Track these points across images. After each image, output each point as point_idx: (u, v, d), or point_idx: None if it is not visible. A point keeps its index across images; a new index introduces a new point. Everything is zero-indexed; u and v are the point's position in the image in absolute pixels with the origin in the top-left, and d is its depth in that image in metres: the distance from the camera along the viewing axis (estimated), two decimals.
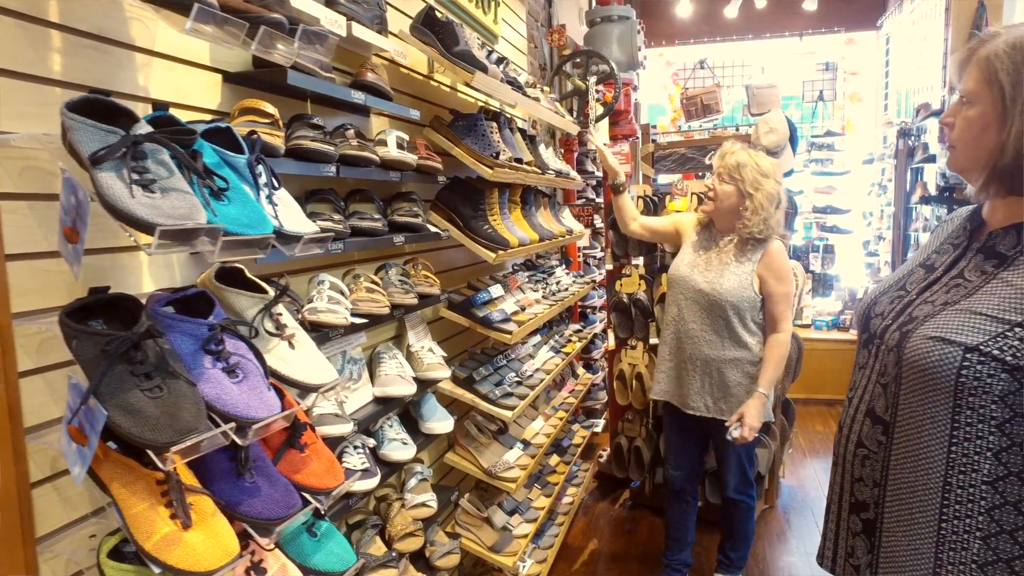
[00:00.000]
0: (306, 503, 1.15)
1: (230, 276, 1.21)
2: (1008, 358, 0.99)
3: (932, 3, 4.88)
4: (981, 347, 1.01)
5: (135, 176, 0.83)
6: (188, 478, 0.97)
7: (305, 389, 1.13)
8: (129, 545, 0.87)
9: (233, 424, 0.92)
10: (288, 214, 1.14)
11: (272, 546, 1.11)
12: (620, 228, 2.86)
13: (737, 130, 4.69)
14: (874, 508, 1.18)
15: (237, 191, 1.02)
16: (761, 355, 2.49)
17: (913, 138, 4.93)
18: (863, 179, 6.23)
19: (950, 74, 1.07)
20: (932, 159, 4.57)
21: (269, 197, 1.12)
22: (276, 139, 1.33)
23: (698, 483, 2.81)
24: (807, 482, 4.02)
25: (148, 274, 1.20)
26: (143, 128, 0.89)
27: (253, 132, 1.15)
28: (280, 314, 1.19)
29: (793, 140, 3.59)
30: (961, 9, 4.27)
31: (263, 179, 1.10)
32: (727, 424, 2.45)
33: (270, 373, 1.11)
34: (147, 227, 0.79)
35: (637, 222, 2.80)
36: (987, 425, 1.03)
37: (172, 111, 1.27)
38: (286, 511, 1.05)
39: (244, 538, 1.08)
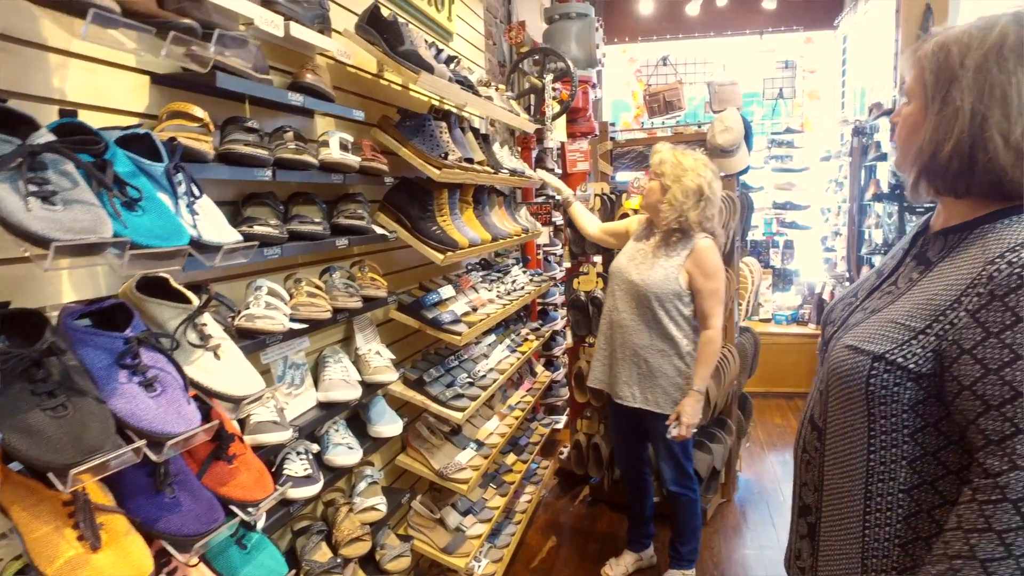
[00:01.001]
0: (232, 516, 1.13)
1: (154, 286, 1.18)
2: (911, 366, 0.98)
3: (885, 4, 4.98)
4: (886, 355, 1.00)
5: (33, 188, 0.80)
6: (100, 497, 0.94)
7: (228, 401, 1.11)
8: (33, 571, 0.84)
9: (144, 442, 0.90)
10: (209, 223, 1.11)
11: (195, 561, 1.09)
12: (586, 237, 3.05)
13: (700, 127, 4.73)
14: (815, 512, 1.18)
15: (152, 201, 1.00)
16: (688, 350, 2.57)
17: (866, 136, 5.03)
18: (821, 176, 6.35)
19: (901, 74, 1.08)
20: (884, 157, 4.67)
21: (190, 206, 1.09)
22: (204, 144, 1.30)
23: (645, 467, 2.93)
24: (764, 476, 4.10)
25: (69, 285, 1.16)
26: (43, 137, 0.86)
27: (173, 139, 1.12)
28: (204, 324, 1.17)
29: (748, 138, 3.64)
30: (910, 11, 4.37)
31: (182, 188, 1.08)
32: (666, 424, 2.54)
33: (192, 386, 1.09)
34: (42, 242, 0.77)
35: (598, 228, 2.95)
36: (900, 434, 1.02)
37: (94, 115, 1.24)
38: (207, 526, 1.03)
39: (167, 554, 1.07)
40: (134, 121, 1.32)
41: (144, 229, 0.94)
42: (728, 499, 3.71)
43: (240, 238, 1.17)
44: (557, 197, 4.10)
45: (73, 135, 0.95)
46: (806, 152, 6.35)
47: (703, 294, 2.50)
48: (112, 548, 0.91)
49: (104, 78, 1.26)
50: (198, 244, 1.05)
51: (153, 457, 0.94)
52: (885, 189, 4.65)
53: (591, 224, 3.01)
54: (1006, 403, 0.89)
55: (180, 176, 1.08)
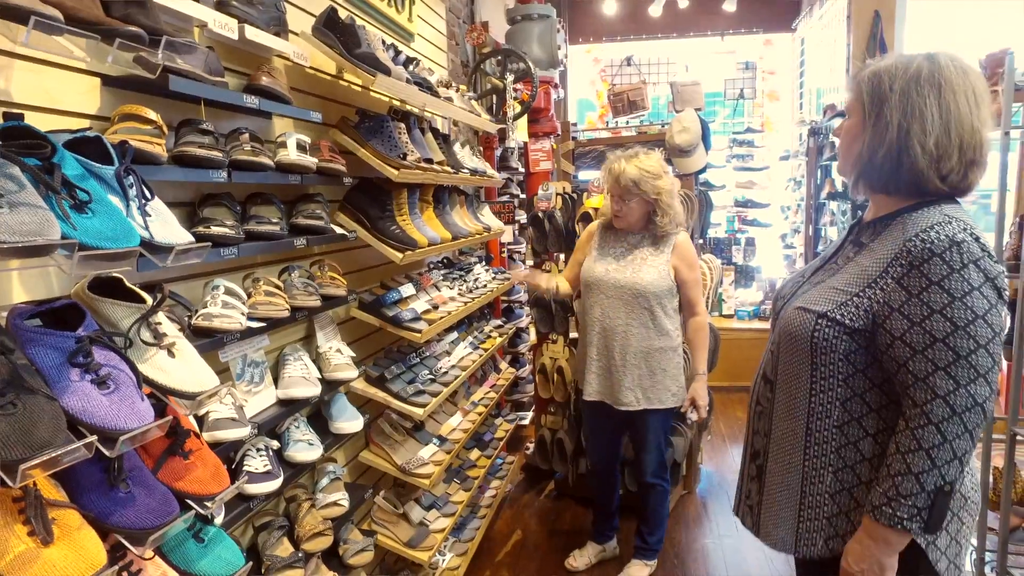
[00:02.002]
0: (189, 510, 1.16)
1: (108, 286, 1.20)
2: (847, 322, 1.23)
3: (838, 8, 5.13)
4: (828, 313, 1.25)
5: None
6: (52, 493, 0.96)
7: (183, 397, 1.14)
8: None
9: (95, 438, 0.92)
10: (161, 225, 1.13)
11: (151, 554, 1.11)
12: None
13: (663, 126, 4.83)
14: (763, 455, 1.42)
15: (102, 203, 1.02)
16: (679, 341, 2.68)
17: (822, 137, 5.18)
18: (781, 175, 6.51)
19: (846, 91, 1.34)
20: (838, 157, 4.82)
21: (141, 208, 1.11)
22: (157, 147, 1.31)
23: (618, 466, 3.00)
24: (725, 467, 4.21)
25: (19, 286, 1.18)
26: None
27: (124, 142, 1.14)
28: (159, 323, 1.19)
29: (706, 138, 3.74)
30: (860, 16, 4.52)
31: (133, 190, 1.10)
32: (681, 410, 2.66)
33: (146, 383, 1.11)
34: None
35: (565, 284, 2.84)
36: (836, 379, 1.27)
37: (44, 117, 1.25)
38: (161, 519, 1.05)
39: (122, 549, 1.09)
40: (85, 124, 1.34)
41: (94, 231, 0.96)
42: (690, 491, 3.81)
43: (192, 239, 1.19)
44: (520, 194, 4.14)
45: (19, 139, 0.97)
46: (766, 151, 6.51)
47: (689, 284, 2.62)
48: (64, 542, 0.93)
49: (53, 80, 1.27)
50: (150, 245, 1.08)
51: (106, 453, 0.96)
52: (839, 188, 4.79)
53: (563, 287, 2.87)
54: (928, 348, 1.15)
55: (131, 179, 1.10)
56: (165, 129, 1.39)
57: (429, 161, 2.42)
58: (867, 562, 1.22)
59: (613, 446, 2.93)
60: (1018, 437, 2.45)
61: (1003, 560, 2.50)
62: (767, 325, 6.35)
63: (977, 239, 1.15)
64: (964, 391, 1.13)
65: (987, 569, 2.61)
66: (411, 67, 2.49)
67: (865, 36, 4.61)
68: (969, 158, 1.20)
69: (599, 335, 2.65)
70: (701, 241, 3.95)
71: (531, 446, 4.16)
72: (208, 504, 1.21)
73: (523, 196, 4.50)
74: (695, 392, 2.62)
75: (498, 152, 4.15)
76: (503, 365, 3.68)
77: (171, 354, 1.17)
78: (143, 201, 1.11)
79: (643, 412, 2.64)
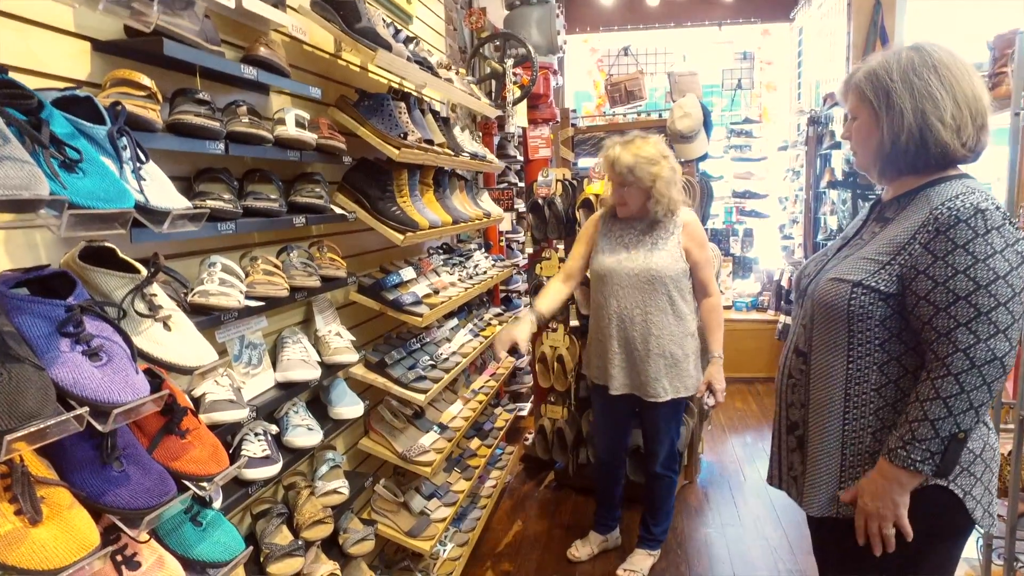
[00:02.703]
0: (185, 490, 1.10)
1: (100, 256, 1.14)
2: (882, 287, 1.31)
3: None
4: (863, 282, 1.33)
5: None
6: (40, 470, 0.91)
7: (179, 371, 1.08)
8: None
9: (86, 409, 0.87)
10: (157, 189, 1.07)
11: (146, 537, 1.06)
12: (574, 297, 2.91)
13: (660, 116, 4.78)
14: (803, 426, 1.48)
15: (94, 163, 0.96)
16: (697, 325, 2.63)
17: (821, 126, 5.15)
18: (779, 165, 6.47)
19: (839, 100, 1.47)
20: (838, 146, 4.79)
21: (136, 171, 1.05)
22: (151, 113, 1.25)
23: (625, 456, 2.96)
24: (725, 458, 4.18)
25: (4, 254, 1.12)
26: None
27: (117, 103, 1.08)
28: (155, 295, 1.13)
29: (707, 125, 3.69)
30: (860, 5, 4.48)
31: (127, 152, 1.04)
32: (697, 395, 2.60)
33: (141, 356, 1.06)
34: None
35: (566, 285, 2.69)
36: (872, 344, 1.35)
37: (29, 79, 1.18)
38: (157, 499, 1.00)
39: (116, 531, 1.03)
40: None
41: (84, 191, 0.90)
42: (691, 480, 3.77)
43: (189, 204, 1.13)
44: (518, 182, 4.08)
45: (2, 92, 0.91)
46: (764, 142, 6.47)
47: (700, 264, 2.56)
48: (54, 522, 0.87)
49: (39, 41, 1.20)
50: (144, 209, 1.02)
51: (98, 427, 0.91)
52: (839, 176, 4.76)
53: (561, 292, 2.68)
54: (950, 305, 1.23)
55: (124, 140, 1.04)
56: (160, 97, 1.33)
57: (430, 142, 2.37)
58: (882, 500, 1.31)
59: (624, 437, 2.89)
60: None
61: (1011, 546, 2.47)
62: (766, 316, 6.31)
63: (998, 208, 1.25)
64: (984, 345, 1.21)
65: (994, 556, 2.59)
66: (411, 46, 2.43)
67: (865, 25, 4.57)
68: (979, 124, 1.31)
69: (618, 327, 2.57)
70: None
71: (530, 437, 4.11)
72: (206, 485, 1.15)
73: (521, 184, 4.44)
74: (711, 376, 2.55)
75: (496, 140, 4.09)
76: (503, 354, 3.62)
77: (167, 327, 1.12)
78: (137, 164, 1.05)
79: (669, 402, 2.59)
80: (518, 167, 4.54)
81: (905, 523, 1.31)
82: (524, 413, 4.32)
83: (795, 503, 1.54)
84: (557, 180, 3.49)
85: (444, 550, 2.64)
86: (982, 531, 1.40)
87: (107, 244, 1.14)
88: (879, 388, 1.35)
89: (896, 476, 1.29)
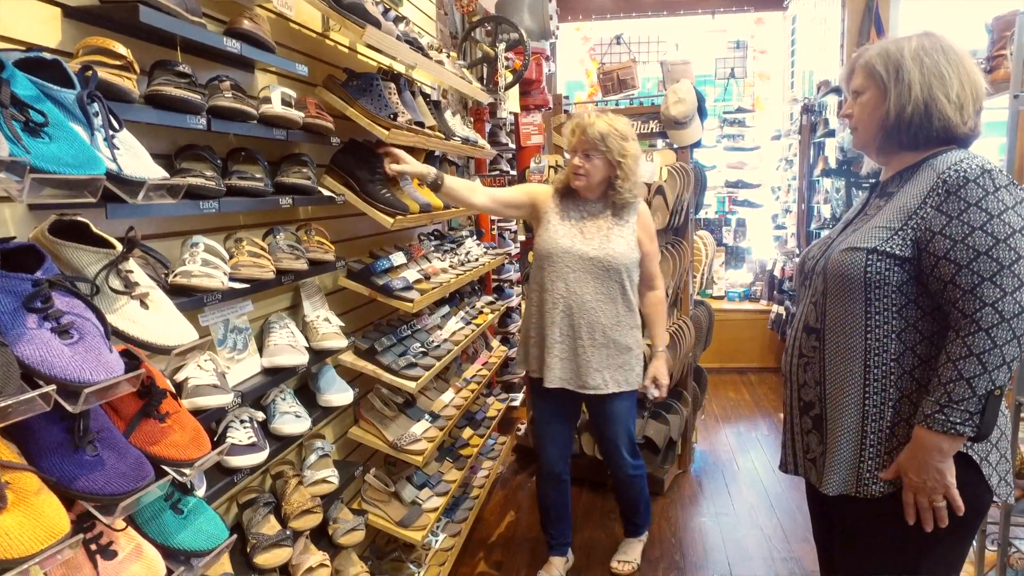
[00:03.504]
0: (164, 476, 1.05)
1: (71, 231, 1.08)
2: (897, 251, 1.32)
3: None
4: (878, 248, 1.34)
5: None
6: (6, 454, 0.85)
7: (157, 351, 1.03)
8: None
9: (52, 387, 0.81)
10: (131, 158, 1.02)
11: (123, 525, 1.01)
12: (466, 208, 2.58)
13: (653, 105, 4.73)
14: (819, 404, 1.47)
15: (61, 128, 0.90)
16: (640, 319, 2.52)
17: (815, 114, 5.12)
18: (772, 154, 6.45)
19: (840, 82, 1.53)
20: (832, 134, 4.76)
21: (108, 139, 1.00)
22: (127, 82, 1.20)
23: (569, 463, 2.67)
24: (719, 447, 4.16)
25: None
26: None
27: (88, 67, 1.02)
28: (131, 271, 1.08)
29: (702, 111, 3.64)
30: None
31: (98, 119, 0.98)
32: (643, 387, 2.49)
33: (115, 335, 1.00)
34: None
35: (482, 195, 2.49)
36: (890, 312, 1.34)
37: None
38: (133, 485, 0.95)
39: (90, 519, 0.98)
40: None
41: (50, 156, 0.84)
42: (684, 470, 3.75)
43: (166, 175, 1.07)
44: (510, 170, 3.99)
45: None
46: (757, 131, 6.43)
47: (650, 256, 2.47)
48: (20, 508, 0.82)
49: (4, 6, 1.14)
50: (118, 179, 0.96)
51: (68, 408, 0.86)
52: (833, 165, 4.74)
53: (474, 193, 2.47)
54: (972, 261, 1.24)
55: (96, 106, 0.98)
56: (136, 67, 1.27)
57: (420, 124, 2.31)
58: (927, 471, 1.28)
59: (568, 441, 2.66)
60: None
61: (1005, 533, 2.46)
62: (758, 307, 6.30)
63: (1001, 169, 1.29)
64: (1011, 298, 1.21)
65: (988, 541, 2.58)
66: (401, 26, 2.37)
67: (860, 12, 4.55)
68: (978, 107, 1.37)
69: (563, 313, 2.39)
70: (694, 217, 3.87)
71: (522, 427, 4.08)
72: (186, 471, 1.10)
73: (513, 173, 4.39)
74: (656, 370, 2.48)
75: (488, 127, 4.03)
76: (494, 343, 3.58)
77: (144, 305, 1.06)
78: (110, 132, 0.99)
79: (611, 397, 2.44)
80: (510, 155, 4.49)
81: (955, 493, 1.29)
82: (516, 403, 4.28)
83: (789, 492, 1.52)
84: (550, 167, 3.44)
85: (436, 540, 2.60)
86: (1000, 501, 1.37)
87: (80, 218, 1.08)
88: (898, 357, 1.35)
89: (936, 444, 1.26)
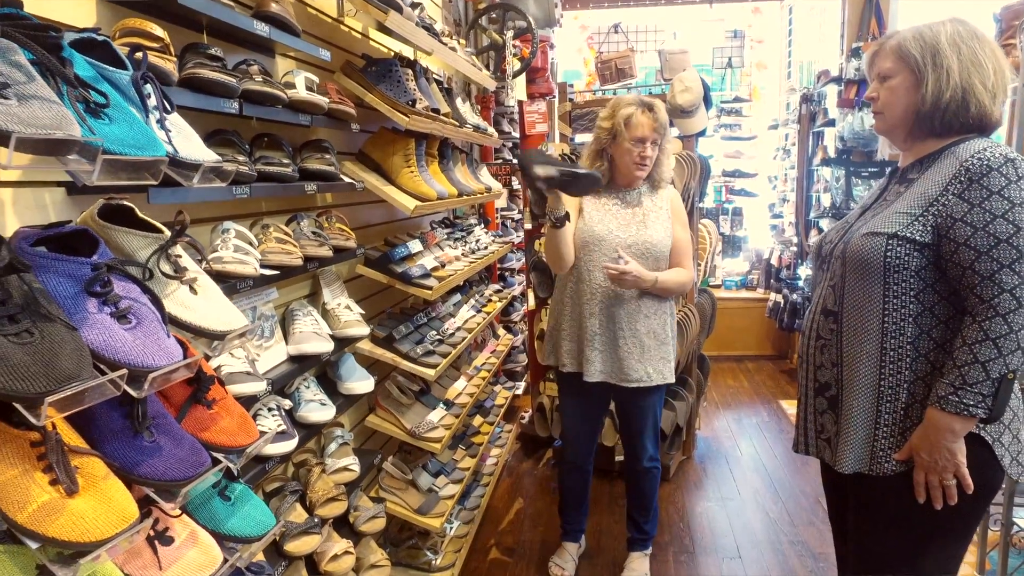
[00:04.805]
0: (216, 463, 1.04)
1: (117, 215, 1.07)
2: (917, 237, 1.34)
3: None
4: (899, 233, 1.36)
5: None
6: (73, 439, 0.84)
7: (211, 337, 1.02)
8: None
9: (124, 372, 0.80)
10: (184, 141, 1.00)
11: (179, 512, 1.00)
12: (559, 270, 2.41)
13: (650, 94, 4.72)
14: (835, 385, 1.49)
15: (120, 109, 0.89)
16: (673, 305, 2.47)
17: (814, 103, 5.14)
18: (769, 144, 6.47)
19: (864, 67, 1.56)
20: (832, 123, 4.78)
21: (160, 122, 0.98)
22: (168, 64, 1.18)
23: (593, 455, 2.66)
24: (721, 433, 4.20)
25: (13, 215, 1.04)
26: None
27: (138, 47, 1.00)
28: (179, 256, 1.07)
29: (707, 99, 3.65)
30: None
31: (152, 100, 0.97)
32: (615, 260, 2.24)
33: (169, 320, 0.99)
34: None
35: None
36: (908, 296, 1.37)
37: None
38: (193, 471, 0.94)
39: (146, 505, 0.97)
40: None
41: (115, 137, 0.83)
42: (688, 456, 3.79)
43: (218, 158, 1.06)
44: (512, 160, 3.92)
45: (18, 28, 0.83)
46: (754, 121, 6.45)
47: (683, 243, 2.37)
48: (91, 493, 0.81)
49: None
50: (174, 161, 0.95)
51: (133, 393, 0.85)
52: (832, 154, 4.76)
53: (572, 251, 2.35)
54: (992, 248, 1.26)
55: (149, 88, 0.97)
56: (172, 50, 1.25)
57: (436, 111, 2.30)
58: (938, 452, 1.32)
59: (597, 433, 2.65)
60: None
61: (1008, 513, 2.51)
62: (755, 295, 6.33)
63: (1023, 158, 1.30)
64: None
65: (991, 522, 2.63)
66: (417, 11, 2.35)
67: (860, 1, 4.56)
68: (1003, 98, 1.40)
69: (601, 304, 2.30)
70: (699, 205, 3.88)
71: (526, 415, 4.09)
72: (235, 458, 1.10)
73: (515, 162, 4.37)
74: (638, 269, 2.23)
75: (491, 114, 4.01)
76: (501, 331, 3.58)
77: (193, 290, 1.05)
78: (163, 115, 0.98)
79: (646, 389, 2.37)
80: (511, 144, 4.47)
81: (965, 472, 1.32)
82: (519, 392, 4.29)
83: (793, 477, 1.54)
84: (556, 155, 3.43)
85: (451, 527, 2.61)
86: (1014, 479, 1.41)
87: (126, 202, 1.07)
88: (914, 340, 1.38)
89: (948, 424, 1.30)
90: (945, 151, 1.39)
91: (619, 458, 3.31)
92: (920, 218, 1.34)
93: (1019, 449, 1.38)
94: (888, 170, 1.59)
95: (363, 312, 2.00)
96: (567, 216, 2.21)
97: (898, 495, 1.41)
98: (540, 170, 2.04)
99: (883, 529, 1.46)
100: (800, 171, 5.31)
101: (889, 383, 1.40)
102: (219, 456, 1.05)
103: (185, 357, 0.98)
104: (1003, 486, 2.51)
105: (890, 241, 1.36)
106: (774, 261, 5.77)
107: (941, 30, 1.38)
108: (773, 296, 5.63)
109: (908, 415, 1.40)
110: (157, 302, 0.94)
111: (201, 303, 1.04)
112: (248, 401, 1.48)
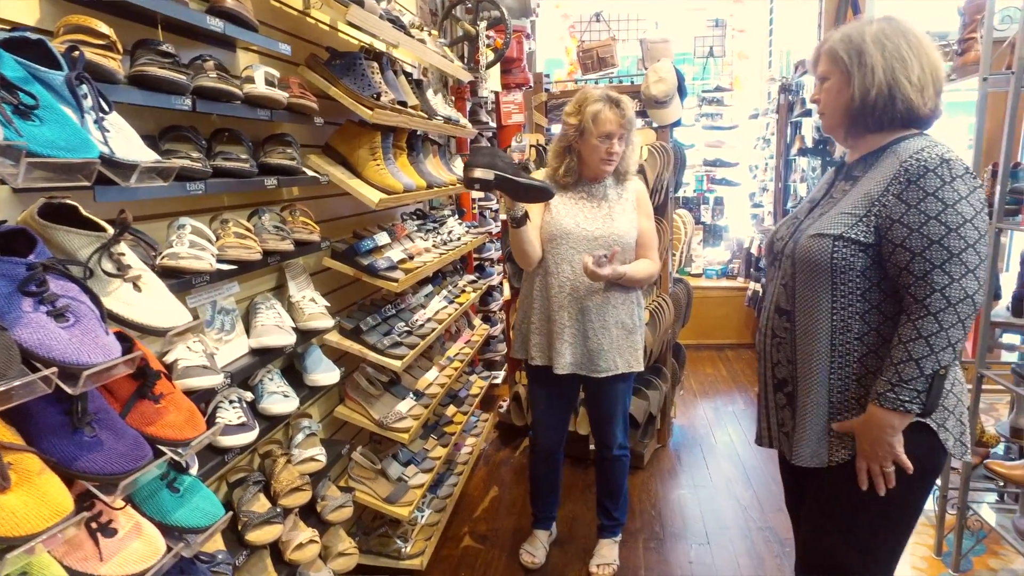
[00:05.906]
0: (161, 455, 1.07)
1: (61, 214, 1.08)
2: (861, 238, 1.38)
3: None
4: (844, 234, 1.40)
5: None
6: (6, 435, 0.86)
7: (151, 333, 1.04)
8: None
9: (55, 369, 0.82)
10: (122, 141, 1.02)
11: (122, 504, 1.02)
12: (526, 266, 2.41)
13: (632, 83, 4.73)
14: (791, 382, 1.55)
15: (52, 110, 0.90)
16: (641, 295, 2.49)
17: (792, 93, 5.17)
18: (750, 133, 6.50)
19: (809, 68, 1.58)
20: (809, 113, 4.82)
21: (98, 122, 0.99)
22: (112, 62, 1.19)
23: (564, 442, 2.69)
24: (697, 421, 4.25)
25: None
26: None
27: (74, 47, 1.01)
28: (123, 254, 1.08)
29: (681, 90, 3.66)
30: None
31: (88, 101, 0.98)
32: (598, 259, 2.21)
33: (110, 318, 1.01)
34: None
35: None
36: (854, 295, 1.42)
37: None
38: (133, 464, 0.96)
39: (88, 498, 1.00)
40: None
41: (43, 139, 0.84)
42: (663, 444, 3.83)
43: (158, 157, 1.07)
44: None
45: None
46: (735, 110, 6.48)
47: (648, 234, 2.40)
48: (24, 488, 0.83)
49: None
50: (110, 162, 0.96)
51: (68, 390, 0.87)
52: (809, 144, 4.80)
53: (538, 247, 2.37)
54: (925, 249, 1.31)
55: (85, 88, 0.98)
56: (120, 47, 1.26)
57: (403, 104, 2.30)
58: (880, 446, 1.39)
59: (566, 426, 2.67)
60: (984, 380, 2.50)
61: (964, 497, 2.58)
62: (735, 284, 6.38)
63: (959, 159, 1.35)
64: (957, 284, 1.29)
65: (948, 505, 2.70)
66: (383, 3, 2.35)
67: None
68: (937, 88, 1.42)
69: (570, 296, 2.32)
70: (673, 196, 3.90)
71: (504, 405, 4.13)
72: (182, 450, 1.12)
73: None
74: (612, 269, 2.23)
75: (468, 105, 4.01)
76: (476, 321, 3.61)
77: (137, 288, 1.07)
78: (100, 115, 0.99)
79: (616, 377, 2.41)
80: (490, 133, 4.47)
81: (903, 458, 1.39)
82: (498, 381, 4.32)
83: (764, 464, 1.59)
84: (531, 145, 3.45)
85: (422, 516, 2.65)
86: (957, 460, 1.55)
87: (69, 201, 1.08)
88: (861, 336, 1.43)
89: (888, 420, 1.36)
90: (887, 149, 1.43)
91: (593, 447, 3.35)
92: (864, 219, 1.39)
93: (962, 431, 1.45)
94: (838, 165, 1.63)
95: (328, 305, 2.02)
96: (526, 216, 2.23)
97: (849, 481, 1.47)
98: (479, 172, 2.05)
99: (836, 512, 1.52)
100: (779, 160, 5.34)
101: (839, 376, 1.46)
102: (164, 449, 1.07)
103: (129, 353, 1.00)
104: (960, 472, 2.59)
105: (836, 243, 1.40)
106: (754, 250, 5.81)
107: (867, 30, 1.42)
108: (753, 285, 5.68)
109: (861, 406, 1.45)
110: (96, 300, 0.96)
111: (145, 300, 1.06)
112: (208, 394, 1.50)
